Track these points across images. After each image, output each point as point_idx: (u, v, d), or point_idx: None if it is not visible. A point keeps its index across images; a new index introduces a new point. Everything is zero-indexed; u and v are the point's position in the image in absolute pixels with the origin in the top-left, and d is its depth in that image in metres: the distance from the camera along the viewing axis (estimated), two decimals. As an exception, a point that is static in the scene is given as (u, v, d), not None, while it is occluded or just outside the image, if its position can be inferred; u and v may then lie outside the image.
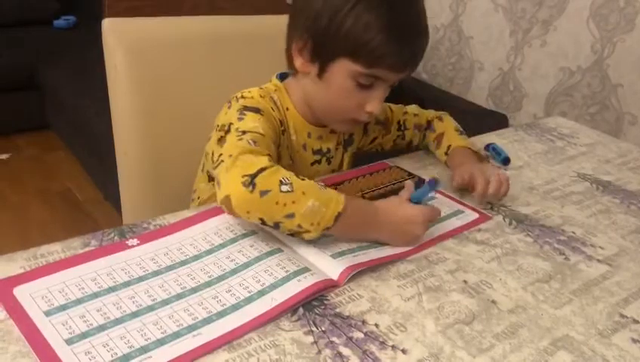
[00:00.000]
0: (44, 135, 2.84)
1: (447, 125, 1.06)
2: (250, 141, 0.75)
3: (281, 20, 1.21)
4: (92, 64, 2.47)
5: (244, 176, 0.69)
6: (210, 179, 0.94)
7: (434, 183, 0.81)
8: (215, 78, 1.14)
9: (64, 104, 2.58)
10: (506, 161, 1.08)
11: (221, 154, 0.74)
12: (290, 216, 0.70)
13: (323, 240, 0.77)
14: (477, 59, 2.17)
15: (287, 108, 0.91)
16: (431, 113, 1.09)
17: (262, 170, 0.70)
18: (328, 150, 0.96)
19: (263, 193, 0.69)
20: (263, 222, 0.72)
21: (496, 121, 2.04)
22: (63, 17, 3.14)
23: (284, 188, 0.70)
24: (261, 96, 0.87)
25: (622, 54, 1.73)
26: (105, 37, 1.05)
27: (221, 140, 0.79)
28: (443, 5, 2.23)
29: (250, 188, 0.69)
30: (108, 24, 1.04)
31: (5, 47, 2.75)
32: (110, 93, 1.08)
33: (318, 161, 0.96)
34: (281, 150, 0.89)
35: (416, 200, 0.81)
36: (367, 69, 0.81)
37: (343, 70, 0.82)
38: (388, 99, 0.89)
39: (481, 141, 1.18)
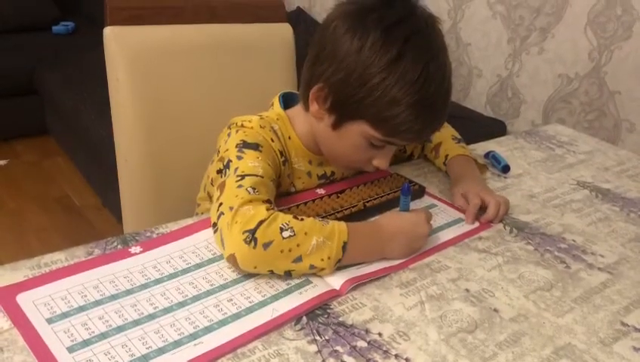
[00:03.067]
0: (43, 141, 2.84)
1: (444, 134, 1.06)
2: (249, 189, 0.74)
3: (282, 29, 1.22)
4: (91, 70, 2.48)
5: (244, 232, 0.68)
6: (212, 199, 0.93)
7: (406, 190, 0.82)
8: (216, 85, 1.14)
9: (63, 110, 2.58)
10: (505, 169, 1.09)
11: (221, 204, 0.73)
12: (298, 259, 0.70)
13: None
14: (475, 65, 2.18)
15: (290, 138, 0.89)
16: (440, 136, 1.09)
17: (261, 222, 0.69)
18: (332, 173, 0.96)
19: (266, 245, 0.68)
20: (273, 273, 0.71)
21: (495, 127, 2.05)
22: (62, 23, 3.14)
23: (286, 233, 0.69)
24: (261, 127, 0.85)
25: (619, 62, 1.74)
26: (106, 44, 1.05)
27: (221, 172, 0.80)
28: (441, 12, 2.24)
29: (253, 244, 0.68)
30: (109, 32, 1.05)
31: (4, 53, 2.75)
32: (111, 100, 1.08)
33: (323, 185, 0.95)
34: (281, 179, 0.88)
35: (404, 209, 0.82)
36: (385, 137, 0.80)
37: (359, 130, 0.81)
38: None
39: (481, 148, 1.18)
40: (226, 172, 0.79)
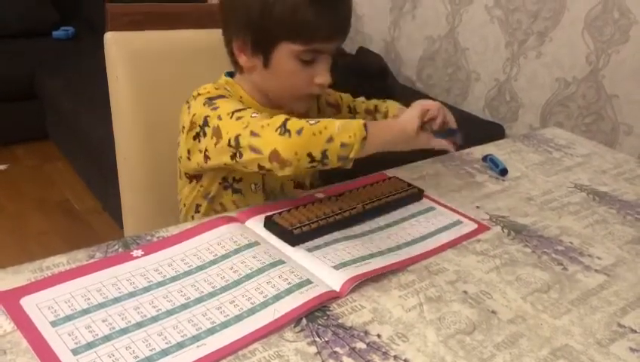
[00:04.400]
0: (43, 145, 2.84)
1: (391, 104, 1.10)
2: (253, 114, 0.82)
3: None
4: (91, 75, 2.48)
5: (276, 128, 0.77)
6: (191, 179, 0.97)
7: (453, 132, 0.92)
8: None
9: (63, 114, 2.59)
10: (503, 172, 1.10)
11: (230, 137, 0.81)
12: (330, 139, 0.77)
13: (325, 250, 0.78)
14: (473, 69, 2.19)
15: (241, 97, 0.96)
16: (376, 100, 1.14)
17: (287, 119, 0.78)
18: None
19: (299, 132, 0.76)
20: (312, 159, 0.77)
21: (493, 131, 2.06)
22: (62, 28, 3.15)
23: (312, 121, 0.78)
24: (216, 88, 0.92)
25: (617, 65, 1.75)
26: (107, 49, 1.06)
27: (199, 135, 0.86)
28: (439, 17, 2.26)
29: (287, 134, 0.76)
30: (110, 37, 1.06)
31: (5, 58, 2.76)
32: (112, 104, 1.10)
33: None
34: None
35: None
36: (306, 45, 0.86)
37: (284, 53, 0.87)
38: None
39: (479, 152, 1.19)
40: (205, 131, 0.85)
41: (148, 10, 1.10)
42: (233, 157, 0.81)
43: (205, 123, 0.85)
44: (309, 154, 0.77)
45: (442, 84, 2.33)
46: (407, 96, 2.25)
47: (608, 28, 1.75)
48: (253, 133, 0.78)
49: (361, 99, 1.14)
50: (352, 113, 1.11)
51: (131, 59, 1.06)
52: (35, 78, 2.76)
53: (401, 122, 0.86)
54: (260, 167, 0.80)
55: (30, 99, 2.79)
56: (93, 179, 2.46)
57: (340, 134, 0.77)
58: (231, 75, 0.99)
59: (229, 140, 0.81)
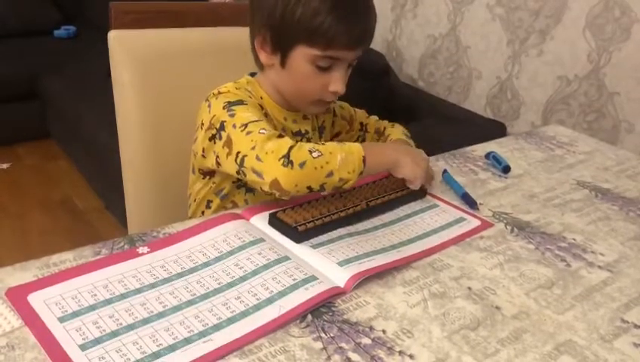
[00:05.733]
0: (45, 144, 2.85)
1: (396, 130, 1.11)
2: (261, 131, 0.81)
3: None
4: (93, 73, 2.49)
5: (280, 158, 0.77)
6: (205, 175, 0.98)
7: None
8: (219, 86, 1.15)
9: (65, 113, 2.59)
10: (506, 170, 1.10)
11: (238, 153, 0.81)
12: (330, 174, 0.79)
13: (330, 247, 0.78)
14: (475, 67, 2.19)
15: (262, 97, 0.96)
16: (387, 122, 1.15)
17: (291, 147, 0.78)
18: (306, 131, 1.02)
19: (302, 165, 0.77)
20: (311, 190, 0.80)
21: (495, 129, 2.06)
22: (64, 27, 3.16)
23: (315, 154, 0.79)
24: (237, 88, 0.93)
25: (618, 63, 1.76)
26: (111, 48, 1.07)
27: (215, 138, 0.86)
28: (441, 15, 2.26)
29: (290, 166, 0.77)
30: (114, 35, 1.06)
31: (6, 57, 2.76)
32: (116, 102, 1.10)
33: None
34: None
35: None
36: (323, 51, 0.86)
37: (301, 56, 0.88)
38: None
39: (481, 149, 1.19)
40: (221, 134, 0.86)
41: (152, 9, 1.10)
42: (238, 172, 0.83)
43: (222, 127, 0.86)
44: (308, 187, 0.79)
45: (444, 83, 2.33)
46: (408, 94, 2.26)
47: (609, 26, 1.75)
48: (257, 158, 0.79)
49: (375, 118, 1.15)
50: (363, 131, 1.13)
51: (136, 58, 1.07)
52: (37, 77, 2.76)
53: (399, 159, 0.89)
54: (261, 188, 0.81)
55: (31, 99, 2.80)
56: (95, 178, 2.47)
57: (340, 170, 0.79)
58: (253, 75, 0.99)
59: (236, 156, 0.82)
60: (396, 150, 0.92)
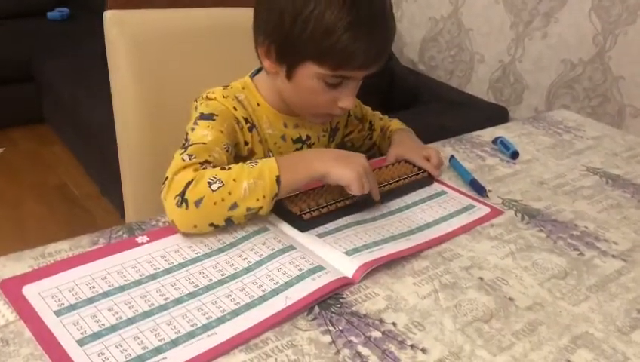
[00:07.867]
0: (40, 129, 2.81)
1: (395, 122, 1.08)
2: (184, 157, 0.75)
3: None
4: (87, 56, 2.45)
5: (175, 197, 0.71)
6: None
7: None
8: (218, 69, 1.11)
9: (60, 97, 2.55)
10: (514, 155, 1.07)
11: (166, 178, 0.74)
12: (234, 206, 0.72)
13: (336, 236, 0.76)
14: (477, 51, 2.15)
15: (258, 104, 0.91)
16: (386, 117, 1.12)
17: (188, 184, 0.71)
18: (308, 137, 0.96)
19: (198, 203, 0.70)
20: (216, 226, 0.73)
21: (497, 114, 2.03)
22: (57, 9, 3.10)
23: (215, 186, 0.71)
24: (224, 97, 0.87)
25: (624, 46, 1.72)
26: (107, 29, 1.03)
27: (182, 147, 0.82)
28: (443, -3, 2.22)
29: (184, 205, 0.70)
30: (110, 16, 1.02)
31: (-1, 40, 2.71)
32: (112, 84, 1.06)
33: (300, 150, 0.95)
34: (253, 146, 0.90)
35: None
36: (334, 71, 0.79)
37: (309, 73, 0.80)
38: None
39: (488, 134, 1.16)
40: (184, 145, 0.81)
41: (149, -12, 1.06)
42: None
43: (186, 139, 0.82)
44: (211, 224, 0.73)
45: (445, 66, 2.29)
46: (409, 78, 2.22)
47: (616, 8, 1.72)
48: (164, 193, 0.73)
49: (378, 115, 1.11)
50: (370, 130, 1.09)
51: (133, 39, 1.03)
52: (31, 60, 2.71)
53: (326, 168, 0.77)
54: None
55: (26, 82, 2.75)
56: (91, 164, 2.43)
57: (246, 199, 0.72)
58: (259, 71, 0.94)
59: (166, 178, 0.75)
60: (320, 158, 0.79)
